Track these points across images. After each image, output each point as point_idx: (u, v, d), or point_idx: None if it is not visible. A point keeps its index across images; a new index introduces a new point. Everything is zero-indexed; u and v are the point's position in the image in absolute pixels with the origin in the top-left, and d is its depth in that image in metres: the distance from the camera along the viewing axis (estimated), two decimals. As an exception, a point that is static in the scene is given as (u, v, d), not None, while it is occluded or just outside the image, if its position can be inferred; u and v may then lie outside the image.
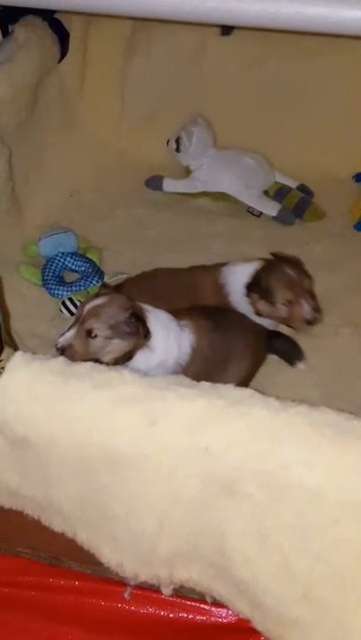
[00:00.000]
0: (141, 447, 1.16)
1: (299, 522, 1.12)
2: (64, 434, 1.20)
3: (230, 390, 1.20)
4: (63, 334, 1.54)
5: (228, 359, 1.67)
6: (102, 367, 1.26)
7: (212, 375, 1.60)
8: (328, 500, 1.08)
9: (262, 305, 1.76)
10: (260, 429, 1.12)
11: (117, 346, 1.51)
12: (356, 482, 1.07)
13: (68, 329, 1.54)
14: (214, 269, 1.90)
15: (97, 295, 1.57)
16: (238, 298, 1.82)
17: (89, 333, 1.50)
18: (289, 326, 1.80)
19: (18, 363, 1.24)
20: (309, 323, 1.72)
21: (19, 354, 1.26)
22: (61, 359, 1.26)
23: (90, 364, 1.27)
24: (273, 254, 1.84)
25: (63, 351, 1.50)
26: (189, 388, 1.19)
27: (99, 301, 1.53)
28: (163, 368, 1.57)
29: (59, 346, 1.51)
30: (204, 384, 1.22)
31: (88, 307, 1.52)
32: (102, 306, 1.52)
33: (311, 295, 1.76)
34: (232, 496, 1.15)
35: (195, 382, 1.23)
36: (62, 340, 1.51)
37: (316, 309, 1.72)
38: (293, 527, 1.13)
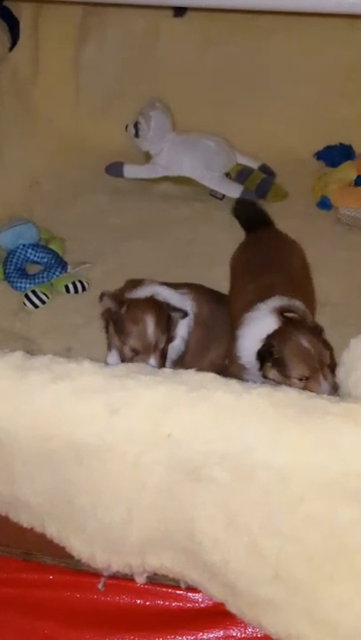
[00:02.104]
0: (104, 437, 1.15)
1: (265, 502, 1.12)
2: (26, 428, 1.18)
3: (192, 375, 1.19)
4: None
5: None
6: (61, 359, 1.24)
7: (213, 346, 1.68)
8: (293, 479, 1.08)
9: (275, 375, 1.52)
10: (223, 412, 1.12)
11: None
12: (319, 459, 1.07)
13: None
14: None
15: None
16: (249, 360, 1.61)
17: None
18: None
19: (-25, 358, 1.22)
20: None
21: (-24, 349, 1.24)
22: (19, 353, 1.24)
23: (49, 356, 1.25)
24: (286, 317, 1.56)
25: None
26: (151, 375, 1.18)
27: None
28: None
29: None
30: (166, 370, 1.22)
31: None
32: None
33: (331, 369, 1.47)
34: (198, 481, 1.14)
35: (156, 369, 1.22)
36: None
37: (335, 387, 1.43)
38: (260, 508, 1.13)
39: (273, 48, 2.54)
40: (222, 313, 1.71)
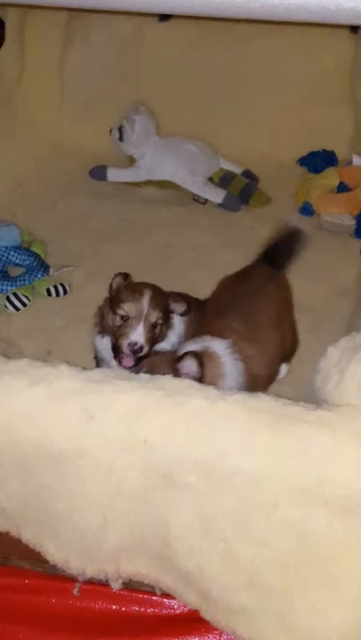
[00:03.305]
0: (79, 442, 1.14)
1: (240, 508, 1.12)
2: (0, 431, 1.17)
3: (168, 381, 1.19)
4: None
5: None
6: (38, 363, 1.23)
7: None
8: (267, 484, 1.08)
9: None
10: (198, 418, 1.12)
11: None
12: (293, 466, 1.07)
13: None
14: None
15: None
16: None
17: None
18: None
19: None
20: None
21: None
22: (-6, 357, 1.24)
23: (26, 360, 1.25)
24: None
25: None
26: (127, 380, 1.18)
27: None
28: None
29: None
30: (143, 376, 1.21)
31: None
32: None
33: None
34: (173, 486, 1.14)
35: (133, 375, 1.22)
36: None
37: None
38: (235, 514, 1.13)
39: (257, 53, 2.54)
40: None
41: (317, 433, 1.08)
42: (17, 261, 2.14)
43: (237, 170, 2.52)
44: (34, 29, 2.58)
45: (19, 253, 2.14)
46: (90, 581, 1.39)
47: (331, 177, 2.42)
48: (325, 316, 1.97)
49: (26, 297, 2.04)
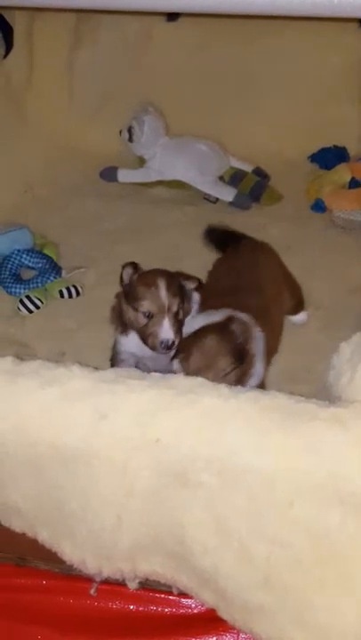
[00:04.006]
0: (92, 443, 1.14)
1: (253, 507, 1.11)
2: (14, 433, 1.18)
3: (180, 380, 1.19)
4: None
5: None
6: (51, 364, 1.24)
7: None
8: (279, 483, 1.08)
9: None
10: (210, 417, 1.11)
11: None
12: (305, 464, 1.06)
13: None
14: None
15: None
16: None
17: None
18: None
19: (-36, 364, 1.22)
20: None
21: (-36, 355, 1.24)
22: (9, 358, 1.24)
23: (39, 361, 1.25)
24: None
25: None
26: (139, 379, 1.18)
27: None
28: None
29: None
30: (155, 375, 1.21)
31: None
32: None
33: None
34: (186, 485, 1.14)
35: (144, 374, 1.22)
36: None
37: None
38: (249, 512, 1.12)
39: (265, 51, 2.54)
40: None
41: (330, 430, 1.07)
42: (30, 264, 2.15)
43: (248, 168, 2.52)
44: (42, 33, 2.59)
45: (31, 256, 2.15)
46: (107, 581, 1.39)
47: (342, 173, 2.41)
48: (338, 313, 1.96)
49: (39, 299, 2.05)
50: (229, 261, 1.82)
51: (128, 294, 1.62)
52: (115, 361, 1.71)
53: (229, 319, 1.51)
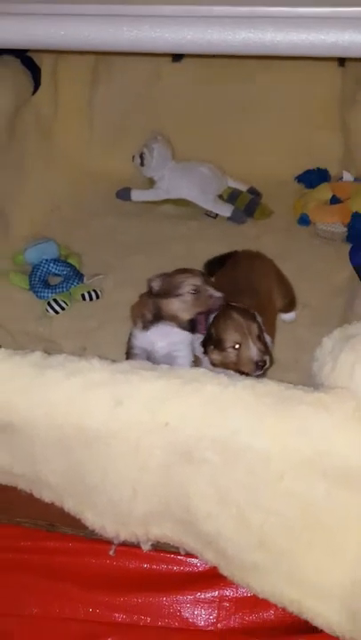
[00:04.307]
0: (110, 425, 1.14)
1: (250, 480, 1.11)
2: (43, 417, 1.18)
3: (186, 371, 1.18)
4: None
5: None
6: (74, 357, 1.23)
7: None
8: (273, 459, 1.07)
9: (217, 356, 1.55)
10: (212, 402, 1.11)
11: None
12: (295, 442, 1.06)
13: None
14: None
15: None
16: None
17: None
18: (240, 372, 1.49)
19: (0, 358, 1.21)
20: (258, 365, 1.50)
21: (0, 350, 1.23)
22: (38, 353, 1.24)
23: (64, 355, 1.25)
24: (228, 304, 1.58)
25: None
26: (150, 370, 1.17)
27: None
28: None
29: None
30: (164, 367, 1.21)
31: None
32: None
33: (259, 339, 1.53)
34: (192, 462, 1.13)
35: (155, 366, 1.21)
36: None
37: (265, 352, 1.50)
38: (246, 485, 1.12)
39: (259, 86, 2.52)
40: None
41: (315, 413, 1.06)
42: (56, 272, 2.15)
43: (243, 187, 2.50)
44: (65, 73, 2.59)
45: (57, 265, 2.15)
46: (124, 544, 1.39)
47: (324, 191, 2.39)
48: (322, 312, 1.95)
49: (64, 302, 2.05)
50: (229, 271, 1.81)
51: (164, 294, 1.56)
52: (129, 355, 1.70)
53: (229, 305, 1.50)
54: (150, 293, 1.60)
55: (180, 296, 1.55)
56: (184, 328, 1.57)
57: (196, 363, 1.61)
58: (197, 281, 1.54)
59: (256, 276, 1.76)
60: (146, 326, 1.62)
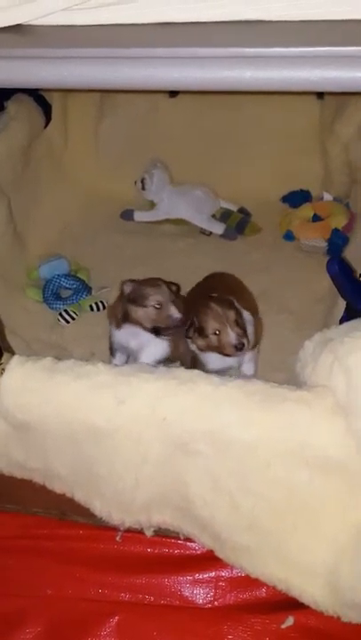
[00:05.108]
0: (114, 422, 1.15)
1: (240, 469, 1.11)
2: (54, 416, 1.19)
3: (182, 372, 1.19)
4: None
5: None
6: (82, 362, 1.24)
7: None
8: (260, 449, 1.08)
9: (201, 342, 1.57)
10: (205, 400, 1.12)
11: None
12: (280, 435, 1.07)
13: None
14: None
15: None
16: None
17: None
18: (223, 354, 1.55)
19: (15, 364, 1.23)
20: (237, 348, 1.51)
21: (15, 357, 1.25)
22: (49, 358, 1.25)
23: (73, 360, 1.25)
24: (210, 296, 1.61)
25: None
26: (149, 373, 1.18)
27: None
28: None
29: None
30: (162, 369, 1.22)
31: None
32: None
33: (237, 324, 1.53)
34: (188, 453, 1.14)
35: (153, 368, 1.22)
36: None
37: (241, 336, 1.50)
38: (237, 473, 1.12)
39: (247, 117, 2.53)
40: None
41: (298, 408, 1.07)
42: (67, 286, 2.15)
43: (234, 208, 2.51)
44: (74, 108, 2.61)
45: (68, 279, 2.16)
46: (129, 530, 1.39)
47: (307, 210, 2.40)
48: (305, 318, 1.96)
49: (74, 312, 2.06)
50: (199, 286, 1.83)
51: (134, 300, 1.59)
52: (111, 350, 1.73)
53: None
54: (122, 296, 1.63)
55: (145, 307, 1.58)
56: (148, 332, 1.60)
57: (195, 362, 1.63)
58: (162, 297, 1.56)
59: (221, 287, 1.76)
60: (119, 325, 1.66)
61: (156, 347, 1.63)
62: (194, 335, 1.57)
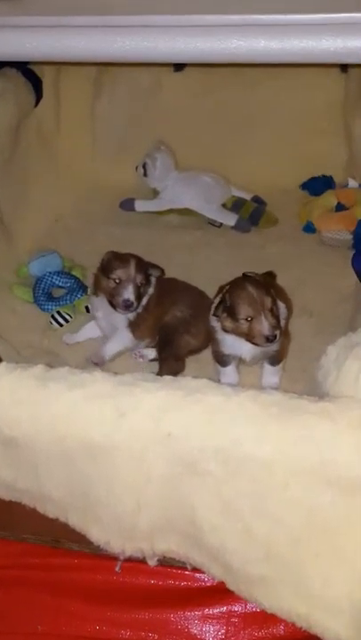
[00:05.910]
0: (113, 437, 1.15)
1: (254, 490, 1.11)
2: (46, 430, 1.19)
3: (189, 381, 1.19)
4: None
5: None
6: (77, 370, 1.25)
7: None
8: (277, 468, 1.08)
9: (230, 324, 1.60)
10: (215, 413, 1.12)
11: None
12: (299, 451, 1.06)
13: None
14: None
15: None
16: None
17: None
18: (252, 342, 1.59)
19: (1, 372, 1.23)
20: (268, 339, 1.54)
21: (2, 364, 1.25)
22: (40, 366, 1.25)
23: (67, 367, 1.26)
24: (244, 274, 1.63)
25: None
26: (152, 382, 1.19)
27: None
28: None
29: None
30: (166, 378, 1.22)
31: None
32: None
33: (272, 313, 1.56)
34: (196, 473, 1.14)
35: (158, 377, 1.22)
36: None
37: (276, 327, 1.53)
38: (251, 495, 1.12)
39: (261, 94, 2.54)
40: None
41: (320, 422, 1.07)
42: (60, 284, 2.16)
43: (247, 196, 2.52)
44: (67, 84, 2.61)
45: (61, 277, 2.16)
46: (130, 559, 1.39)
47: (329, 198, 2.40)
48: (328, 320, 1.95)
49: (68, 314, 2.06)
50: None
51: (105, 268, 1.82)
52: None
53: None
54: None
55: (107, 279, 1.79)
56: (109, 303, 1.80)
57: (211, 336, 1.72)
58: (123, 275, 1.76)
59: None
60: (95, 293, 1.87)
61: (119, 319, 1.84)
62: (222, 315, 1.60)
